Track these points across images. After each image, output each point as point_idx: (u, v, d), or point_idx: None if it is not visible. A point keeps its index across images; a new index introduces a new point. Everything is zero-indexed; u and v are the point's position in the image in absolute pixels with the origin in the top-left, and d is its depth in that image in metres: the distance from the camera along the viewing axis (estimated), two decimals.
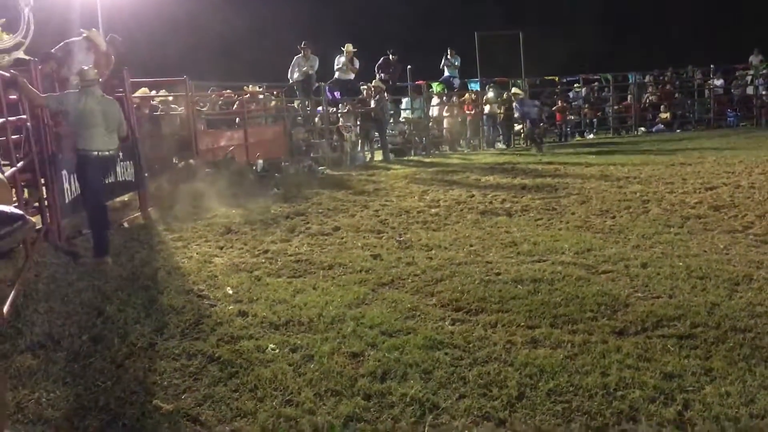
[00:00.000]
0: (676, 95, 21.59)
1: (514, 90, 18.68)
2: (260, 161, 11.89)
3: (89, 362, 3.91)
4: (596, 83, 22.17)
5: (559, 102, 20.87)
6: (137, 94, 10.86)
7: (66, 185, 7.01)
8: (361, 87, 16.74)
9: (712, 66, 21.27)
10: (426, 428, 3.02)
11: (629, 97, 21.71)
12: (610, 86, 21.62)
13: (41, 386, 3.56)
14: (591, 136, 21.23)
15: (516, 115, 18.54)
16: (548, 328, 4.17)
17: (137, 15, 15.04)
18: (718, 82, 21.43)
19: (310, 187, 11.16)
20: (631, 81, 21.59)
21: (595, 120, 22.13)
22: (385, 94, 16.45)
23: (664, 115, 20.91)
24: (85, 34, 8.76)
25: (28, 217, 1.78)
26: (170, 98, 12.74)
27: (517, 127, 19.93)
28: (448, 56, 19.26)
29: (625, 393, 3.26)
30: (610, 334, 4.01)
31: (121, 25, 12.42)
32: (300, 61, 15.81)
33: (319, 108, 15.98)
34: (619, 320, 4.24)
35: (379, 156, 16.86)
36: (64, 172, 6.95)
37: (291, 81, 15.97)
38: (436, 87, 19.36)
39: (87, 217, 6.67)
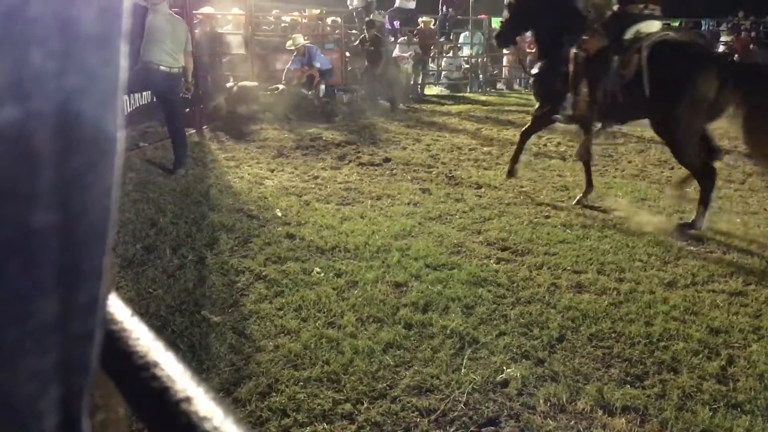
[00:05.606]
0: (752, 46, 20.50)
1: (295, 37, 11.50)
2: (322, 86, 11.80)
3: (142, 270, 4.06)
4: None
5: None
6: (201, 11, 10.83)
7: (126, 97, 7.12)
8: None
9: None
10: (465, 361, 3.06)
11: None
12: None
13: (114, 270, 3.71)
14: None
15: (298, 67, 11.26)
16: (595, 274, 4.13)
17: None
18: None
19: (363, 117, 11.10)
20: (704, 28, 20.57)
21: None
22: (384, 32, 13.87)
23: None
24: None
25: None
26: (229, 18, 12.68)
27: None
28: None
29: (668, 344, 3.24)
30: (658, 285, 3.95)
31: None
32: None
33: None
34: (668, 272, 4.17)
35: (433, 90, 16.59)
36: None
37: (351, 8, 15.69)
38: (497, 22, 18.79)
39: (168, 130, 6.96)
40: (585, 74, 5.30)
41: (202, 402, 0.39)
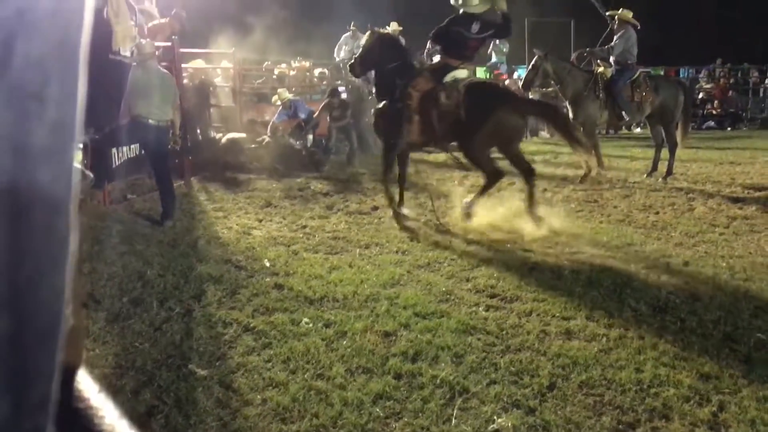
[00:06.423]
0: (730, 93, 20.96)
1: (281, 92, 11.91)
2: (309, 136, 11.88)
3: (128, 324, 4.01)
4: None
5: None
6: (191, 65, 11.00)
7: (114, 150, 7.15)
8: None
9: None
10: (455, 411, 3.03)
11: None
12: None
13: (84, 344, 3.66)
14: (638, 129, 20.78)
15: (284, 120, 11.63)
16: (584, 320, 4.12)
17: None
18: None
19: (350, 166, 11.19)
20: (683, 76, 21.03)
21: None
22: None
23: (716, 111, 20.28)
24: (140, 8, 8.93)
25: (86, 171, 1.82)
26: (219, 71, 12.86)
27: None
28: (497, 41, 18.98)
29: (659, 390, 3.22)
30: (647, 331, 3.95)
31: None
32: (348, 40, 15.79)
33: None
34: (657, 318, 4.17)
35: None
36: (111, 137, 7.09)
37: (337, 59, 15.96)
38: (481, 72, 19.14)
39: (156, 182, 7.05)
40: (417, 109, 6.65)
41: None
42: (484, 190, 6.67)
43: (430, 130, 6.65)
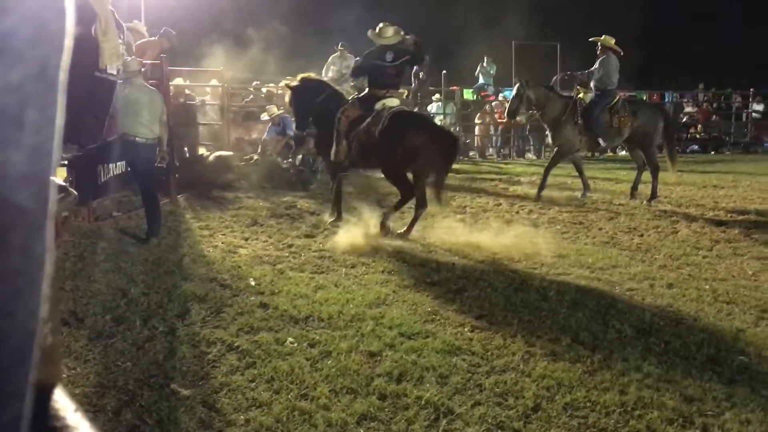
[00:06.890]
0: (714, 117, 21.24)
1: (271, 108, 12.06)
2: (299, 155, 11.87)
3: (111, 342, 3.97)
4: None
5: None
6: (173, 82, 10.99)
7: (99, 167, 7.11)
8: None
9: (751, 90, 20.89)
10: None
11: None
12: None
13: (62, 362, 3.61)
14: (623, 152, 20.99)
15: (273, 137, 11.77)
16: (568, 342, 4.13)
17: (180, 7, 15.26)
18: (759, 106, 21.02)
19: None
20: (667, 100, 21.29)
21: None
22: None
23: (700, 135, 20.52)
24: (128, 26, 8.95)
25: (71, 189, 1.81)
26: (207, 89, 12.88)
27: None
28: (484, 63, 19.17)
29: (642, 413, 3.23)
30: (631, 353, 3.96)
31: (166, 12, 12.59)
32: (335, 61, 15.86)
33: None
34: (641, 340, 4.19)
35: None
36: (97, 154, 7.05)
37: (325, 78, 16.02)
38: (468, 94, 19.29)
39: (142, 199, 7.03)
40: (345, 133, 7.29)
41: None
42: (397, 205, 7.21)
43: (358, 151, 7.23)
